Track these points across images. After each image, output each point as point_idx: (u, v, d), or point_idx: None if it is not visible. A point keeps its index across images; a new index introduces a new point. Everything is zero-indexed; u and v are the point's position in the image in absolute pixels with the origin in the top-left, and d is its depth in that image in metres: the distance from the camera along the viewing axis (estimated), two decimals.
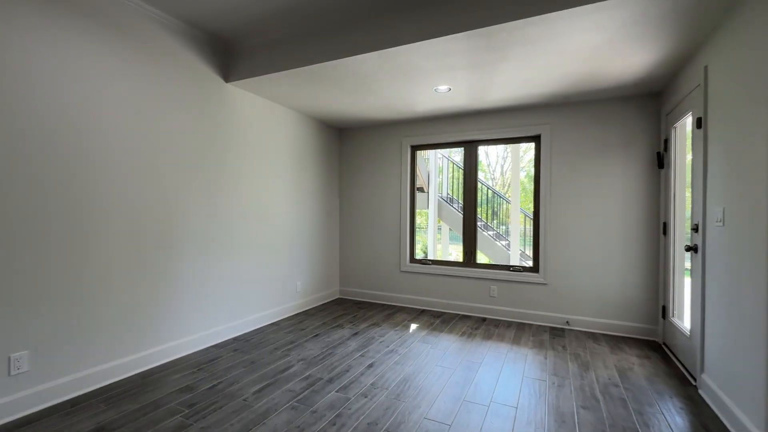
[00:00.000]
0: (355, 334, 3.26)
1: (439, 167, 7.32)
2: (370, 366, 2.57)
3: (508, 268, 3.82)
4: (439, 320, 3.71)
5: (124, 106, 2.35)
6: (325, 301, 4.42)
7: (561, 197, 3.57)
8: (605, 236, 3.39)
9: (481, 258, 6.73)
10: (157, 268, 2.56)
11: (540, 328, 3.49)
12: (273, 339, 3.09)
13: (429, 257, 7.52)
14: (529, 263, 6.96)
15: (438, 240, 8.20)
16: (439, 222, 7.55)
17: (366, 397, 2.15)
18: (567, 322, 3.52)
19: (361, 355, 2.76)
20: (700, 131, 2.33)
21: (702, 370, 2.27)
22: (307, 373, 2.44)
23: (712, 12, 1.97)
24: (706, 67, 2.26)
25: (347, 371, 2.48)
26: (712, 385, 2.12)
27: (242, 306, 3.25)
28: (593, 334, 3.34)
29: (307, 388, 2.23)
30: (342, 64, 2.66)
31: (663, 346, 3.07)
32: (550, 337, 3.25)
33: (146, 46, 2.46)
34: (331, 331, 3.32)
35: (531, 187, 12.03)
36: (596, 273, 3.43)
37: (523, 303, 3.72)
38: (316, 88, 3.15)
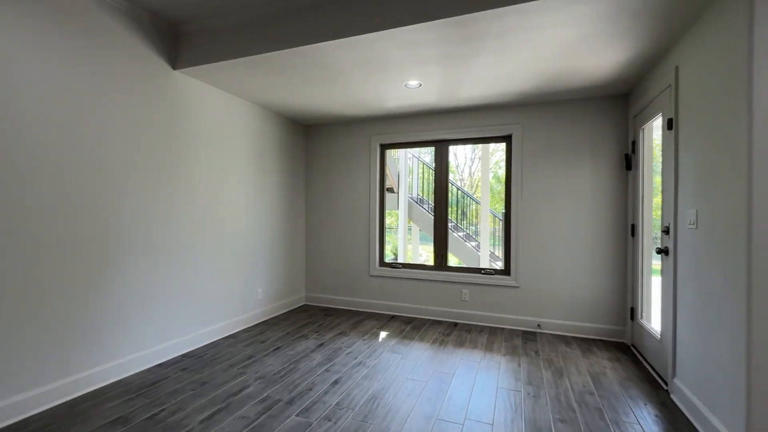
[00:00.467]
0: (321, 345, 3.03)
1: (410, 168, 7.20)
2: (336, 383, 2.36)
3: (479, 271, 3.73)
4: (409, 327, 3.55)
5: (45, 91, 2.01)
6: (290, 309, 4.15)
7: (532, 199, 3.51)
8: (575, 237, 3.37)
9: (452, 260, 6.68)
10: (92, 278, 2.22)
11: (512, 332, 3.41)
12: (229, 354, 2.81)
13: (399, 259, 7.39)
14: (499, 263, 6.98)
15: (408, 241, 8.09)
16: (409, 223, 7.44)
17: (330, 420, 1.94)
18: (538, 325, 3.47)
19: (326, 370, 2.55)
20: (671, 132, 2.30)
21: (674, 374, 2.24)
22: (265, 394, 2.20)
23: (687, 11, 1.92)
24: (677, 68, 2.23)
25: (310, 390, 2.26)
26: (684, 390, 2.09)
27: (194, 318, 2.94)
28: (564, 337, 3.30)
29: (264, 413, 1.99)
30: (305, 53, 2.43)
31: (631, 347, 3.07)
32: (523, 341, 3.18)
33: (75, 21, 2.12)
34: (295, 343, 3.07)
35: (498, 188, 12.21)
36: (566, 275, 3.39)
37: (494, 306, 3.63)
38: (277, 79, 2.90)
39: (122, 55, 2.38)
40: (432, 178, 6.47)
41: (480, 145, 7.80)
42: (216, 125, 3.13)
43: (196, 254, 2.94)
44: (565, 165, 3.40)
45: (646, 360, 2.77)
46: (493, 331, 3.43)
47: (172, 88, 2.72)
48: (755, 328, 1.53)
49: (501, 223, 6.72)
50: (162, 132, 2.65)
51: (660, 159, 2.56)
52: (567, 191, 3.40)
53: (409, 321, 3.74)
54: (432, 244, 4.04)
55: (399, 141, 4.03)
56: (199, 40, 2.65)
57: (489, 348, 3.01)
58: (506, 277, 3.60)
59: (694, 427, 1.92)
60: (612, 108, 3.26)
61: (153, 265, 2.59)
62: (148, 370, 2.51)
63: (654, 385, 2.38)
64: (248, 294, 3.53)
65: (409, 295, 3.97)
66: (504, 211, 3.73)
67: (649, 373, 2.57)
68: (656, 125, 2.84)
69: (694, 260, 2.02)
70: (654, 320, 2.85)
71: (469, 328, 3.51)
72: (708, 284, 1.87)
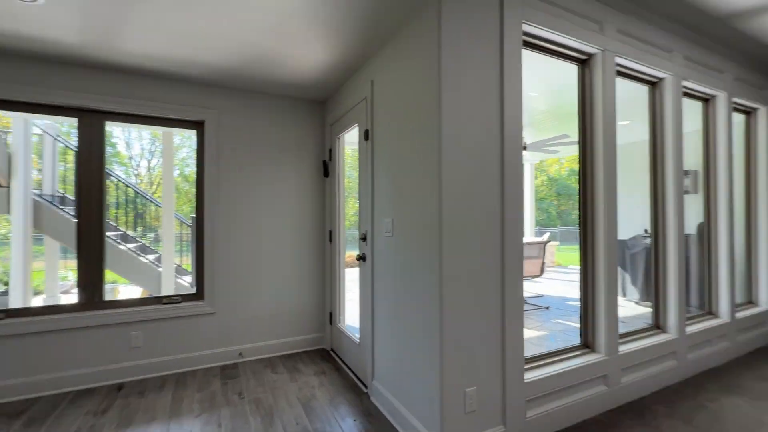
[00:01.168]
0: None
1: (37, 149, 4.72)
2: None
3: (160, 300, 2.72)
4: (20, 421, 2.04)
5: None
6: None
7: (229, 202, 2.92)
8: (279, 246, 3.08)
9: (116, 280, 4.91)
10: None
11: (209, 372, 2.67)
12: None
13: (14, 292, 4.63)
14: (187, 279, 5.86)
15: (38, 260, 5.35)
16: (40, 233, 4.86)
17: None
18: (240, 353, 2.91)
19: None
20: (368, 143, 2.40)
21: (373, 376, 2.33)
22: None
23: (388, 24, 1.97)
24: (372, 82, 2.34)
25: None
26: (383, 390, 2.18)
27: None
28: (270, 360, 2.93)
29: None
30: None
31: (331, 352, 3.11)
32: (222, 382, 2.53)
33: None
34: None
35: (186, 188, 10.68)
36: (269, 288, 3.05)
37: (183, 345, 2.75)
38: None
39: None
40: (76, 164, 4.48)
41: (161, 134, 6.24)
42: None
43: None
44: (270, 167, 3.05)
45: (346, 363, 2.84)
46: (181, 380, 2.55)
47: None
48: (446, 330, 1.67)
49: (191, 229, 5.66)
50: None
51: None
52: (270, 196, 3.06)
53: (20, 410, 2.17)
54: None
55: (7, 98, 2.32)
56: None
57: (176, 411, 2.15)
58: (199, 302, 2.81)
59: (392, 426, 1.99)
60: (315, 114, 3.22)
61: None
62: None
63: (357, 392, 2.41)
64: None
65: (33, 361, 2.35)
66: (194, 215, 2.93)
67: (351, 377, 2.61)
68: (350, 135, 2.99)
69: (390, 267, 2.12)
70: (350, 323, 2.99)
71: (142, 387, 2.45)
72: (404, 290, 1.98)
